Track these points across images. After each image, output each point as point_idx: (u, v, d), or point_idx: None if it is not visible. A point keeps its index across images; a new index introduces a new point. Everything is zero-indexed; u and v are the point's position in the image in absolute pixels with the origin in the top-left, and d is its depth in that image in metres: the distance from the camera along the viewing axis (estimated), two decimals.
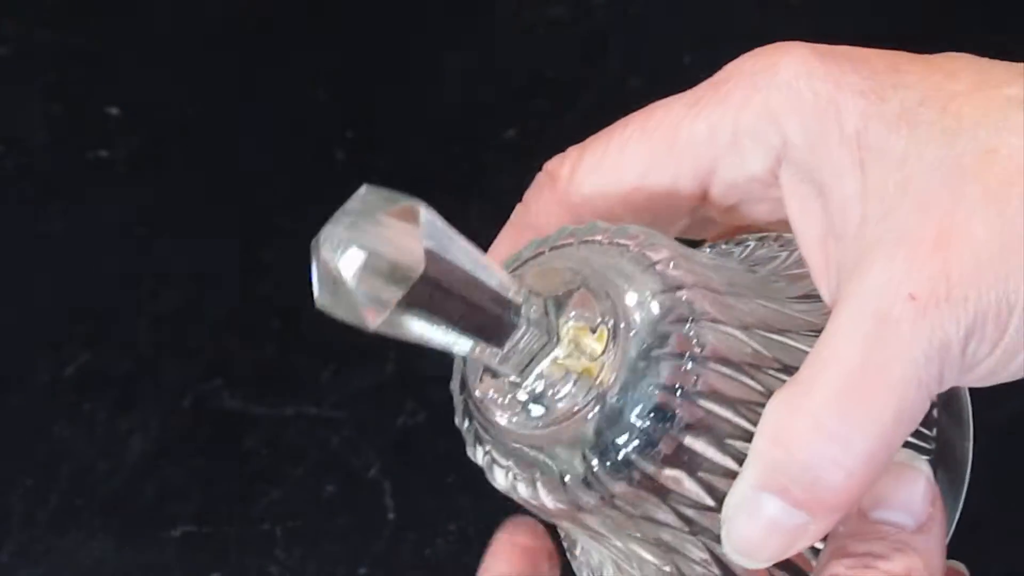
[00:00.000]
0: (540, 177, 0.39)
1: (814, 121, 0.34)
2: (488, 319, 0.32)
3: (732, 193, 0.37)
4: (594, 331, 0.34)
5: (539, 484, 0.34)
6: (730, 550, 0.33)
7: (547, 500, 0.34)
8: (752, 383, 0.34)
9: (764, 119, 0.35)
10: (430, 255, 0.30)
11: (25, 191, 0.77)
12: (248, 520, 0.65)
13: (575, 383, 0.33)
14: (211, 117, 0.79)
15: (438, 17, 0.81)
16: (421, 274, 0.29)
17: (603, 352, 0.33)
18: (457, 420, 0.36)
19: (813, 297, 0.36)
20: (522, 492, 0.35)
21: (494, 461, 0.35)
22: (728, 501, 0.33)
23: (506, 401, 0.34)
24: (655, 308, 0.33)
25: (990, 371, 0.33)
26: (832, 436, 0.32)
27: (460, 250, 0.31)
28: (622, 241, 0.35)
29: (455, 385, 0.36)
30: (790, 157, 0.35)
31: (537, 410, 0.34)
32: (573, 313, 0.34)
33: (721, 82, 0.37)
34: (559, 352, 0.33)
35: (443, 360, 0.73)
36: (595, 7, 0.81)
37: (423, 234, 0.30)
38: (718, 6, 0.80)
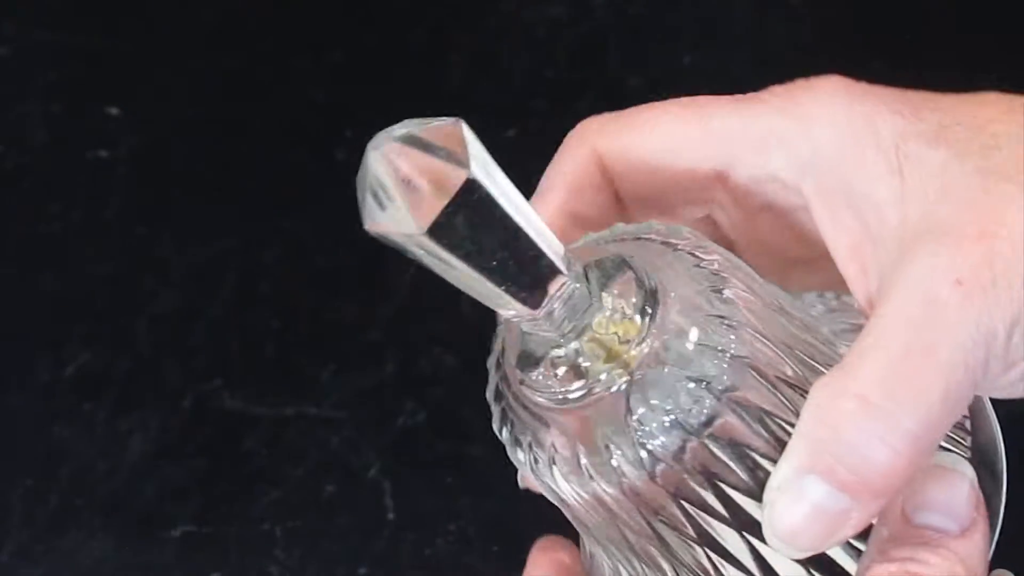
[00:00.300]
0: (570, 135, 0.40)
1: (848, 132, 0.35)
2: (526, 264, 0.32)
3: (751, 193, 0.38)
4: (635, 309, 0.34)
5: (588, 469, 0.34)
6: (770, 535, 0.33)
7: (598, 486, 0.34)
8: (793, 364, 0.34)
9: (797, 125, 0.36)
10: (473, 168, 0.30)
11: (25, 191, 0.77)
12: (248, 520, 0.65)
13: (613, 360, 0.33)
14: (211, 117, 0.79)
15: (437, 17, 0.81)
16: (465, 180, 0.29)
17: (642, 327, 0.33)
18: (495, 427, 0.36)
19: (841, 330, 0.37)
20: (570, 483, 0.34)
21: (536, 460, 0.35)
22: (770, 483, 0.33)
23: (542, 379, 0.34)
24: (695, 281, 0.34)
25: None
26: (878, 413, 0.32)
27: (500, 177, 0.31)
28: (674, 241, 0.35)
29: (490, 394, 0.36)
30: (819, 165, 0.36)
31: (576, 388, 0.34)
32: (616, 291, 0.34)
33: (762, 93, 0.38)
34: (599, 322, 0.33)
35: (442, 360, 0.73)
36: (595, 7, 0.81)
37: (467, 147, 0.30)
38: (718, 6, 0.80)
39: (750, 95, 0.38)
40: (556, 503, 0.36)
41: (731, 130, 0.37)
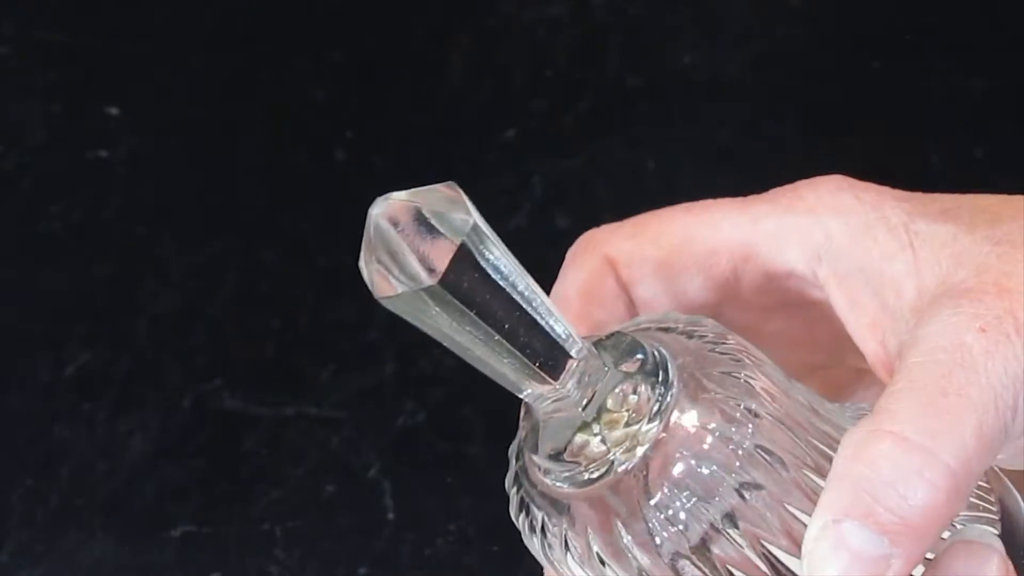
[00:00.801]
0: (576, 245, 0.40)
1: (858, 218, 0.37)
2: (539, 330, 0.32)
3: (763, 291, 0.38)
4: (647, 387, 0.34)
5: (628, 545, 0.33)
6: None
7: (643, 558, 0.33)
8: (816, 421, 0.34)
9: (807, 219, 0.37)
10: (475, 220, 0.30)
11: (25, 191, 0.77)
12: (248, 520, 0.65)
13: (627, 438, 0.33)
14: (211, 117, 0.79)
15: (437, 17, 0.81)
16: (470, 230, 0.30)
17: (653, 403, 0.33)
18: (525, 541, 0.36)
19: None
20: (614, 569, 0.34)
21: (567, 546, 0.35)
22: (808, 533, 0.32)
23: (565, 463, 0.34)
24: (712, 365, 0.34)
25: None
26: (915, 447, 0.31)
27: (500, 243, 0.31)
28: (692, 328, 0.36)
29: (514, 511, 0.36)
30: (833, 251, 0.37)
31: (595, 467, 0.33)
32: (627, 368, 0.34)
33: (766, 193, 0.39)
34: (612, 400, 0.33)
35: (442, 360, 0.73)
36: (595, 7, 0.81)
37: (467, 203, 0.30)
38: (718, 6, 0.80)
39: (753, 197, 0.38)
40: None
41: (743, 228, 0.38)
